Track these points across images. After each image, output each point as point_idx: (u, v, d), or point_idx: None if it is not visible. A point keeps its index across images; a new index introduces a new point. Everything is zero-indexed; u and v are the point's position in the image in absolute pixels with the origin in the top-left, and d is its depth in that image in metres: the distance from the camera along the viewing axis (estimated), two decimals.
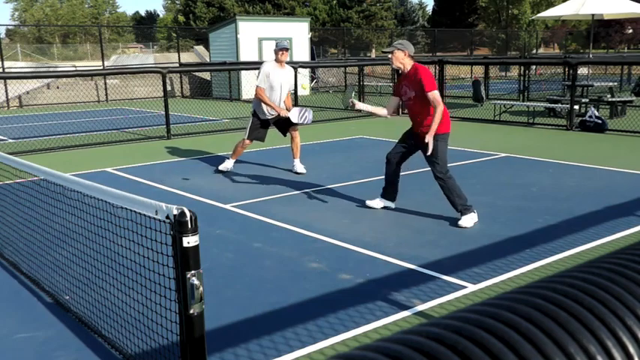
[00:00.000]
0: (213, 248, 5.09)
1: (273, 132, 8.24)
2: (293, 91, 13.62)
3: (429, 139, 5.40)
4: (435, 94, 5.49)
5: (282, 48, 7.79)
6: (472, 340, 0.69)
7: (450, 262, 4.71)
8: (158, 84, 18.95)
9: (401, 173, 6.12)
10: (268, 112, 7.88)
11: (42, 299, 4.14)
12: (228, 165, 8.25)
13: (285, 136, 8.22)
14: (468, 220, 5.56)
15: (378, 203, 6.22)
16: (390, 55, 5.74)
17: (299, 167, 8.19)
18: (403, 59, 5.70)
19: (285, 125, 7.99)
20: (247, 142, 8.06)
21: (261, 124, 7.98)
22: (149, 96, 21.55)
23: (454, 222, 5.69)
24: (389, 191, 6.16)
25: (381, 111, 6.09)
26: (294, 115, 7.52)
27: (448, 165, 5.68)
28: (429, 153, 5.42)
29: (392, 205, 6.21)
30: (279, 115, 7.76)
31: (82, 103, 20.15)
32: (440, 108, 5.44)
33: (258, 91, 7.76)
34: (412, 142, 5.83)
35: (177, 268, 2.57)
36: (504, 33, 49.38)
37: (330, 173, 8.08)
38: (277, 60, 7.81)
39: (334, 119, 14.25)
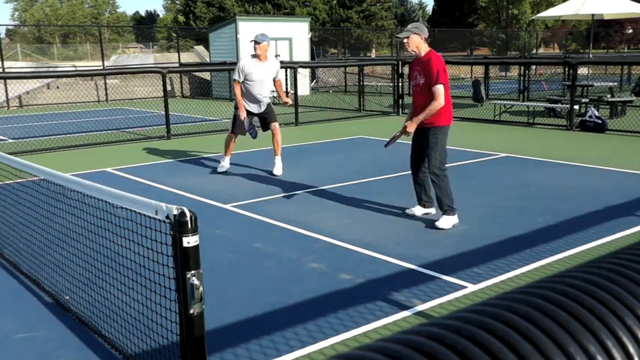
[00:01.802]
0: (213, 248, 5.09)
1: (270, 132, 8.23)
2: (293, 91, 13.63)
3: (410, 126, 5.39)
4: (439, 89, 5.35)
5: (255, 41, 7.70)
6: (472, 340, 0.69)
7: (450, 262, 4.71)
8: (158, 84, 18.94)
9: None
10: (253, 107, 7.88)
11: (42, 299, 4.14)
12: (224, 164, 8.25)
13: (265, 130, 8.18)
14: (447, 222, 5.46)
15: (418, 210, 5.92)
16: (405, 40, 5.51)
17: (277, 168, 8.02)
18: (419, 43, 5.50)
19: (265, 120, 8.02)
20: (232, 135, 8.09)
21: (245, 118, 7.91)
22: (149, 96, 21.55)
23: None
24: (422, 199, 5.89)
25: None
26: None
27: (447, 165, 5.67)
28: (406, 133, 5.40)
29: (432, 210, 5.89)
30: (265, 109, 7.88)
31: (82, 103, 20.15)
32: (437, 103, 5.34)
33: (234, 85, 7.83)
34: (418, 138, 5.66)
35: (177, 268, 2.57)
36: (504, 33, 49.38)
37: (330, 173, 8.08)
38: (254, 54, 7.77)
39: (334, 119, 14.25)
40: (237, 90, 7.79)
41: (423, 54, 5.53)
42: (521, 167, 8.25)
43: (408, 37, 5.49)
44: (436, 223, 5.49)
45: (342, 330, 3.57)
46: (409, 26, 5.59)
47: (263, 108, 7.93)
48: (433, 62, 5.41)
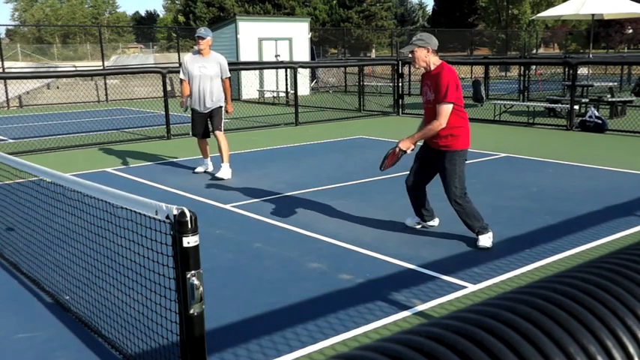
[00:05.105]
0: (213, 248, 5.09)
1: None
2: (291, 91, 13.62)
3: (403, 143, 4.87)
4: (445, 108, 4.75)
5: (199, 36, 7.62)
6: (472, 340, 0.69)
7: (450, 262, 4.71)
8: (158, 84, 18.94)
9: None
10: (199, 105, 7.79)
11: (42, 299, 4.14)
12: (206, 167, 8.22)
13: (207, 137, 8.03)
14: (487, 240, 4.98)
15: (412, 222, 5.56)
16: (410, 55, 4.88)
17: (221, 172, 7.74)
18: (427, 57, 4.83)
19: (210, 124, 7.92)
20: (195, 138, 8.14)
21: (196, 118, 7.90)
22: (149, 96, 21.55)
23: (453, 222, 5.68)
24: (421, 213, 5.42)
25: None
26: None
27: None
28: (404, 149, 4.84)
29: (434, 223, 5.49)
30: (211, 109, 7.77)
31: (82, 103, 20.14)
32: (437, 123, 4.75)
33: (181, 84, 7.88)
34: (427, 157, 5.11)
35: (178, 268, 2.57)
36: (504, 33, 49.37)
37: (330, 173, 8.08)
38: (197, 50, 7.72)
39: (334, 119, 14.24)
40: (183, 87, 7.81)
41: (432, 67, 4.87)
42: (521, 167, 8.25)
43: (412, 52, 4.84)
44: (478, 243, 4.96)
45: (342, 330, 3.57)
46: (414, 38, 4.90)
47: (209, 106, 7.77)
48: (443, 77, 4.75)
